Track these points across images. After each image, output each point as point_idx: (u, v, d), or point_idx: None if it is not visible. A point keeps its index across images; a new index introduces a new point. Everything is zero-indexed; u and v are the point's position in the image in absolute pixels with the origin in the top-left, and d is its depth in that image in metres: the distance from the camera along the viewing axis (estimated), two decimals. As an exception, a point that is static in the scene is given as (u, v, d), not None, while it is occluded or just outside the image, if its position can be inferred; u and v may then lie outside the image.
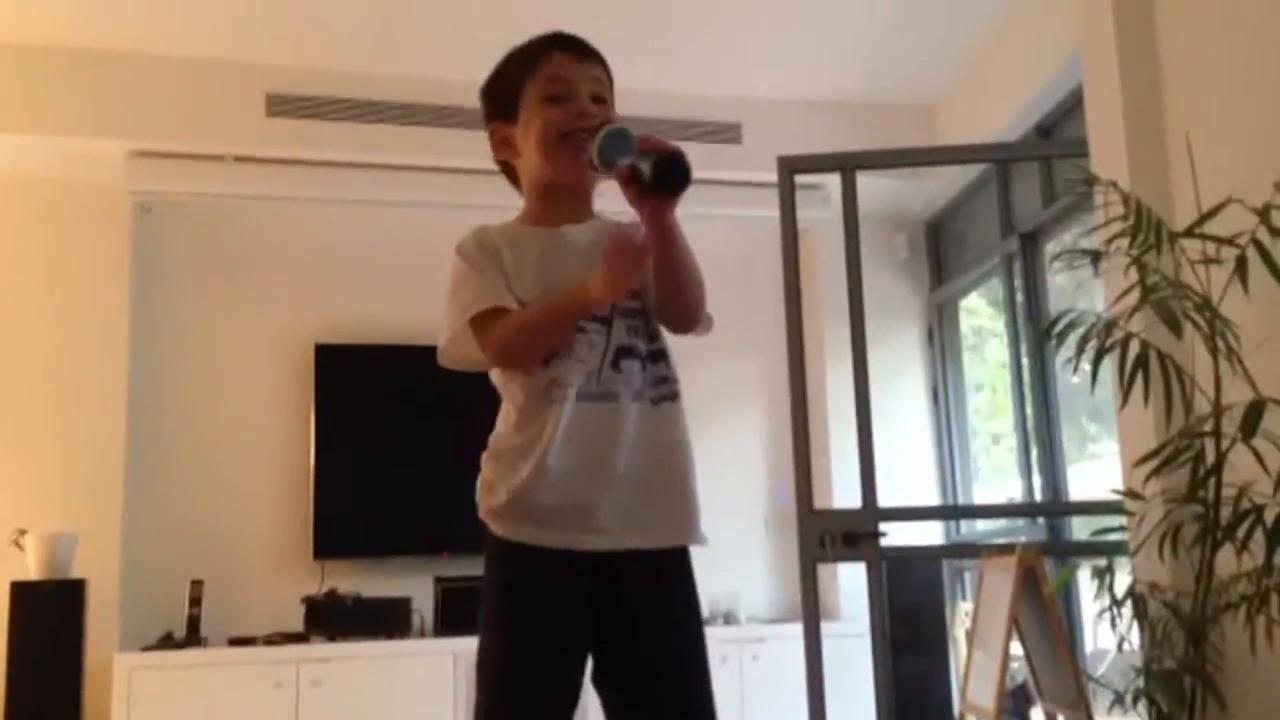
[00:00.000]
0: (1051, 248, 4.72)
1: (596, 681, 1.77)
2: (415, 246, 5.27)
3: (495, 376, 1.84)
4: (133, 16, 4.54)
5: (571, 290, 1.74)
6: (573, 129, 1.81)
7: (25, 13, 4.48)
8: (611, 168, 1.72)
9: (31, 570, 4.47)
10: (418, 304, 4.51)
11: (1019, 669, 2.94)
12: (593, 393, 1.75)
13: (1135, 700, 2.02)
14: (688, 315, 1.85)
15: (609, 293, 1.69)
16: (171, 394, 5.21)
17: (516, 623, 1.71)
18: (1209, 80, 2.31)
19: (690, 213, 1.77)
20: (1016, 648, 2.52)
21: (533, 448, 1.73)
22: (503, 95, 1.91)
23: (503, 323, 1.75)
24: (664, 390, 1.81)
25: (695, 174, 1.68)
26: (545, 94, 1.85)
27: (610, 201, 1.89)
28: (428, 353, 1.90)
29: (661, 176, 1.67)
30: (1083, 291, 4.30)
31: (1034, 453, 4.75)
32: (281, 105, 4.89)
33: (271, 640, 4.83)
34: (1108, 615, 2.06)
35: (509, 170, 1.96)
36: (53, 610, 4.40)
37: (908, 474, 5.36)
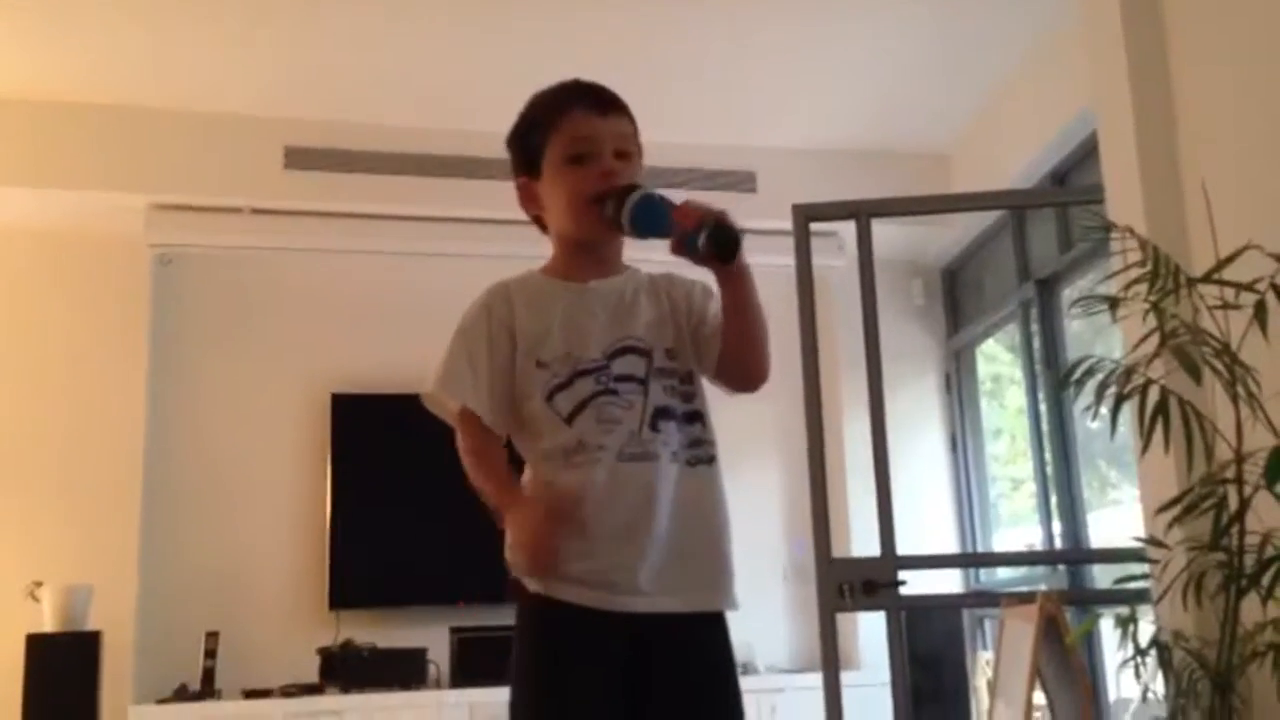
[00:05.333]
0: (1068, 294, 4.71)
1: None
2: (431, 296, 5.25)
3: (513, 438, 1.82)
4: (152, 73, 4.60)
5: (505, 493, 1.73)
6: (599, 191, 1.77)
7: (46, 70, 4.54)
8: (645, 237, 1.73)
9: (47, 622, 4.47)
10: (433, 353, 4.50)
11: (1042, 719, 2.90)
12: (633, 453, 1.71)
13: (1161, 751, 1.99)
14: (752, 374, 1.82)
15: (519, 553, 1.68)
16: (187, 444, 5.22)
17: (550, 683, 1.68)
18: (1225, 126, 2.31)
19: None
20: (1039, 698, 2.49)
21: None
22: (525, 151, 1.87)
23: (466, 435, 1.77)
24: (699, 452, 1.78)
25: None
26: (568, 154, 1.80)
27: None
28: (442, 402, 1.90)
29: (716, 248, 1.67)
30: (1100, 337, 4.29)
31: (1053, 499, 4.72)
32: (300, 158, 4.94)
33: (287, 692, 4.79)
34: (1131, 665, 2.03)
35: (539, 220, 1.92)
36: (68, 662, 4.39)
37: (927, 521, 5.32)
